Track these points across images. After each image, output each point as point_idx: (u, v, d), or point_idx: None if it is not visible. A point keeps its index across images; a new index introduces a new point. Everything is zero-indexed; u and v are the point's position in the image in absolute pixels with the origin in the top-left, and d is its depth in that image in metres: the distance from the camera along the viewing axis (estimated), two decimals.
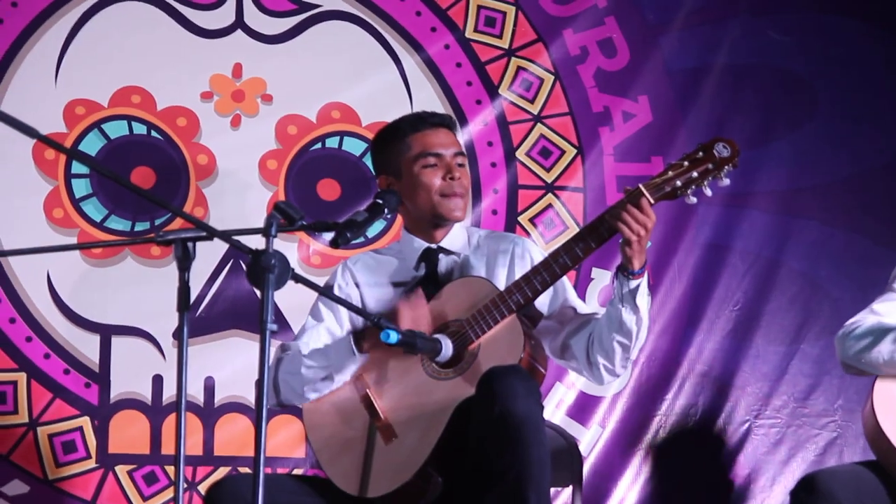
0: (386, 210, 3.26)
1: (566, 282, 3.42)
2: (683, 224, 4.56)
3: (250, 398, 4.31)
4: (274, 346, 3.39)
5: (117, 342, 4.30)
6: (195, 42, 4.43)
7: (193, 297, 4.17)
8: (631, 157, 4.57)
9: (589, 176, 4.56)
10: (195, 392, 4.28)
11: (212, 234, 2.76)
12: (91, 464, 4.25)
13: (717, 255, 4.58)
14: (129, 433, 4.27)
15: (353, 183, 4.45)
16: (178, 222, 4.32)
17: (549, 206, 4.54)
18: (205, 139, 4.41)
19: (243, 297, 4.33)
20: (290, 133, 4.45)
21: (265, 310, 2.58)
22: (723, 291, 4.57)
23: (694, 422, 4.52)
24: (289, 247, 4.36)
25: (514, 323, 3.20)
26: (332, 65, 4.48)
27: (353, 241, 3.18)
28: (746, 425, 4.53)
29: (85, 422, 4.26)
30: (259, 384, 2.58)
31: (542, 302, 3.38)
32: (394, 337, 2.97)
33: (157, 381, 4.30)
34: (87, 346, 4.28)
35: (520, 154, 4.54)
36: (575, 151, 4.56)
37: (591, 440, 4.46)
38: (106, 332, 4.30)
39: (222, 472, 4.27)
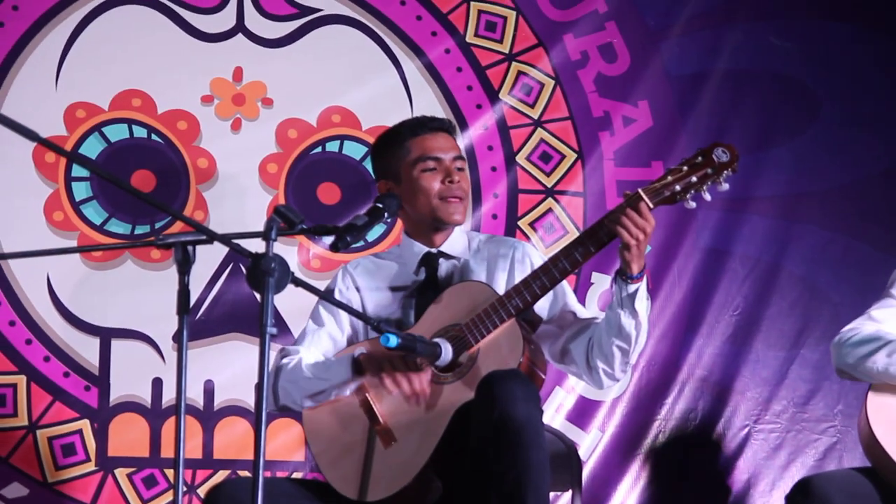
0: (386, 214, 3.26)
1: (566, 286, 3.42)
2: (683, 229, 4.56)
3: (250, 402, 4.31)
4: (274, 350, 3.37)
5: (117, 345, 4.30)
6: (196, 45, 4.43)
7: (193, 300, 4.20)
8: (631, 161, 4.57)
9: (589, 180, 4.56)
10: (195, 395, 4.27)
11: (212, 237, 2.76)
12: (90, 467, 4.25)
13: (717, 260, 4.57)
14: (128, 436, 4.26)
15: (354, 187, 4.45)
16: (178, 226, 4.31)
17: (549, 210, 4.54)
18: (205, 143, 4.41)
19: (243, 301, 4.33)
20: (290, 137, 4.45)
21: (265, 313, 2.58)
22: (722, 296, 4.56)
23: (693, 426, 4.52)
24: (289, 250, 4.35)
25: (514, 327, 3.20)
26: (332, 69, 4.48)
27: (353, 245, 3.18)
28: (746, 430, 4.53)
29: (84, 425, 4.25)
30: (259, 388, 2.57)
31: (542, 306, 3.38)
32: (393, 341, 2.97)
33: (157, 384, 4.30)
34: (86, 349, 4.28)
35: (520, 158, 4.54)
36: (575, 156, 4.56)
37: (591, 444, 4.45)
38: (106, 335, 4.30)
39: (222, 475, 4.27)
